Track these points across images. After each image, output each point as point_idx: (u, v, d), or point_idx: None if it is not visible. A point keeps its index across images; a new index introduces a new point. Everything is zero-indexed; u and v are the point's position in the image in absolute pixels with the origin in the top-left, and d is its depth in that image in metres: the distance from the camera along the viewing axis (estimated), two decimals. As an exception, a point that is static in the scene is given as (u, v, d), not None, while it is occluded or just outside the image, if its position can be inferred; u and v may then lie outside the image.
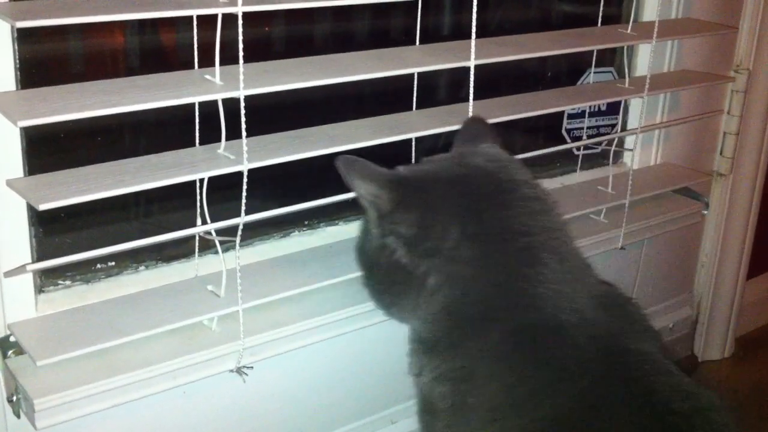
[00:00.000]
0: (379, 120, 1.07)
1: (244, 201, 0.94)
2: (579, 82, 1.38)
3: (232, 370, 1.00)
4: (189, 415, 1.03)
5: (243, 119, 0.90)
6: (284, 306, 1.04)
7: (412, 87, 1.10)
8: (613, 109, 1.41)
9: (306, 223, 1.17)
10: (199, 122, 0.96)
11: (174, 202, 1.05)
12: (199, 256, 1.04)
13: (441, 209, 0.87)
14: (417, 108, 1.12)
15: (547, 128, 1.40)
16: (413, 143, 1.12)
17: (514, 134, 1.35)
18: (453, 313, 0.87)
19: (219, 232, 0.98)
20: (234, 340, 0.99)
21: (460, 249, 0.85)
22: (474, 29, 1.02)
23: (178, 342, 0.97)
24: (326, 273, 1.06)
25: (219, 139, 0.95)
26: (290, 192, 1.11)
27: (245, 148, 0.91)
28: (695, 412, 0.80)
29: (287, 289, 1.02)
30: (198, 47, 0.94)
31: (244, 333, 0.99)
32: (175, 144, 0.96)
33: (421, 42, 1.10)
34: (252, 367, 1.01)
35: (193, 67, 0.96)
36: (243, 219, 0.95)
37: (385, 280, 0.92)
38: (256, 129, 0.94)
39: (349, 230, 1.17)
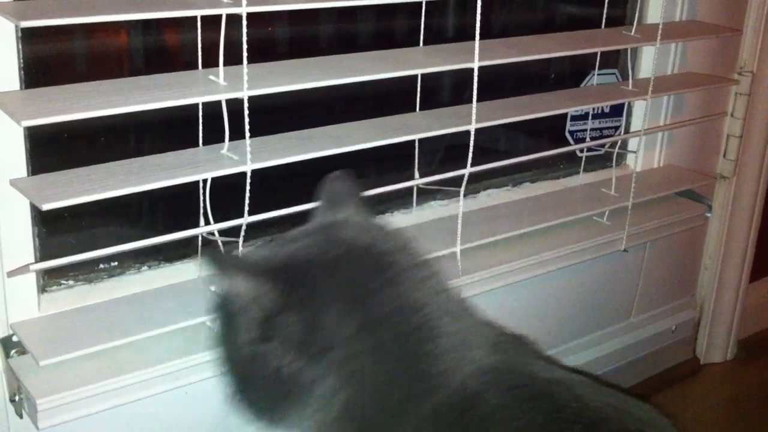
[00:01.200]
0: (383, 121, 1.07)
1: (247, 202, 0.94)
2: (583, 84, 1.37)
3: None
4: (191, 415, 1.03)
5: (246, 120, 0.90)
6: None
7: (416, 88, 1.10)
8: (616, 111, 1.41)
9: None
10: (203, 122, 0.96)
11: (177, 202, 1.04)
12: (201, 256, 1.04)
13: (329, 302, 0.77)
14: (420, 109, 1.12)
15: (550, 130, 1.40)
16: (416, 145, 1.12)
17: (518, 135, 1.35)
18: (356, 417, 0.78)
19: (222, 231, 0.98)
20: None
21: (356, 343, 0.76)
22: (478, 30, 1.01)
23: (181, 342, 0.97)
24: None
25: (222, 139, 0.95)
26: (292, 191, 1.11)
27: (249, 149, 0.91)
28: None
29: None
30: (202, 47, 0.94)
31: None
32: (178, 144, 0.96)
33: (424, 43, 1.09)
34: None
35: (197, 68, 0.95)
36: (246, 219, 0.95)
37: (268, 394, 0.79)
38: (259, 129, 0.94)
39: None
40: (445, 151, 1.21)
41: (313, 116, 1.07)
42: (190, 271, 1.05)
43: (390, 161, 1.22)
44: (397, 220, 1.21)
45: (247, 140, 0.92)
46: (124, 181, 0.85)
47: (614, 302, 1.45)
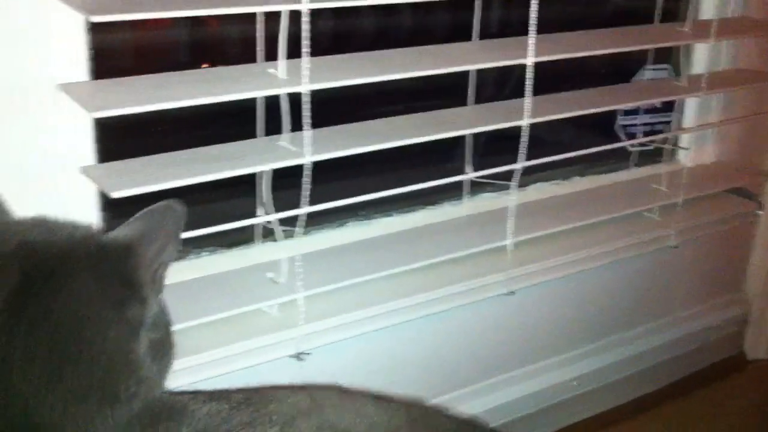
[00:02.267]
0: (436, 115, 1.09)
1: (307, 193, 0.96)
2: (634, 78, 1.38)
3: (291, 356, 1.03)
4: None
5: (307, 114, 0.92)
6: (342, 294, 1.06)
7: (467, 81, 1.11)
8: (668, 106, 1.41)
9: (361, 213, 1.18)
10: (262, 112, 0.99)
11: (237, 189, 1.07)
12: (259, 243, 1.07)
13: None
14: (473, 103, 1.13)
15: (601, 123, 1.40)
16: (469, 139, 1.13)
17: (567, 129, 1.35)
18: None
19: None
20: (293, 326, 1.01)
21: None
22: (533, 27, 1.02)
23: (239, 327, 1.00)
24: (384, 263, 1.08)
25: (280, 130, 0.97)
26: (348, 182, 1.14)
27: (308, 141, 0.93)
28: None
29: (347, 278, 1.04)
30: (264, 40, 0.96)
31: (303, 319, 1.01)
32: (237, 132, 0.98)
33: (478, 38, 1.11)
34: (310, 353, 1.04)
35: (256, 61, 0.98)
36: (305, 210, 0.98)
37: None
38: (313, 119, 0.95)
39: (402, 222, 1.20)
40: (495, 141, 1.22)
41: (365, 107, 1.08)
42: (247, 257, 1.07)
43: (441, 151, 1.23)
44: (447, 211, 1.23)
45: (308, 132, 0.94)
46: (190, 170, 0.88)
47: (661, 297, 1.46)
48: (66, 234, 0.67)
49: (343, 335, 1.07)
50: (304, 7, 0.90)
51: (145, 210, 0.68)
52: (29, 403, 0.59)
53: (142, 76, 0.90)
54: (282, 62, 0.93)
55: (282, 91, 0.93)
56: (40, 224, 0.68)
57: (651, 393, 1.46)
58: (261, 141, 0.99)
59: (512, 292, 1.19)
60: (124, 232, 0.67)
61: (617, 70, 1.40)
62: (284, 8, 0.91)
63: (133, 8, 0.83)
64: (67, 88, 0.84)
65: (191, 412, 0.66)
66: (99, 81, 0.89)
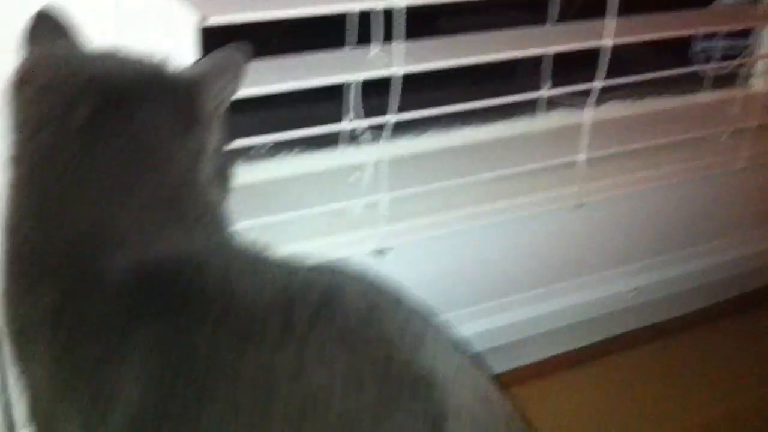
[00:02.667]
0: (520, 33, 1.13)
1: (395, 104, 1.03)
2: (715, 3, 1.39)
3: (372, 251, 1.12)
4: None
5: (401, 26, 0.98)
6: (420, 199, 1.13)
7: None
8: (746, 31, 1.42)
9: (442, 122, 1.24)
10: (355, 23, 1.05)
11: (324, 94, 1.11)
12: (346, 146, 1.14)
13: None
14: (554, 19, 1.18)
15: (677, 46, 1.41)
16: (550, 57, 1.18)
17: (643, 49, 1.37)
18: None
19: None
20: (375, 225, 1.10)
21: None
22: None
23: (324, 224, 1.08)
24: (461, 171, 1.15)
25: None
26: (429, 91, 1.19)
27: (399, 53, 0.99)
28: None
29: (426, 184, 1.12)
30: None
31: (385, 219, 1.10)
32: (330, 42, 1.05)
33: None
34: (392, 248, 1.13)
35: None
36: (392, 117, 1.04)
37: None
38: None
39: (480, 133, 1.26)
40: (572, 58, 1.25)
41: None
42: (336, 159, 1.15)
43: (520, 65, 1.27)
44: (524, 124, 1.28)
45: (399, 46, 1.00)
46: (283, 77, 0.95)
47: (726, 217, 1.49)
48: (136, 66, 0.72)
49: (421, 236, 1.15)
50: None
51: (214, 51, 0.75)
52: (103, 215, 0.66)
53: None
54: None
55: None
56: (112, 57, 0.73)
57: (707, 307, 1.51)
58: (352, 52, 1.05)
59: (581, 205, 1.26)
60: (193, 68, 0.75)
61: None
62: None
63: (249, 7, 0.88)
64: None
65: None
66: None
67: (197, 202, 0.71)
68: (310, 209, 1.05)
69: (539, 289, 1.34)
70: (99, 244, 0.66)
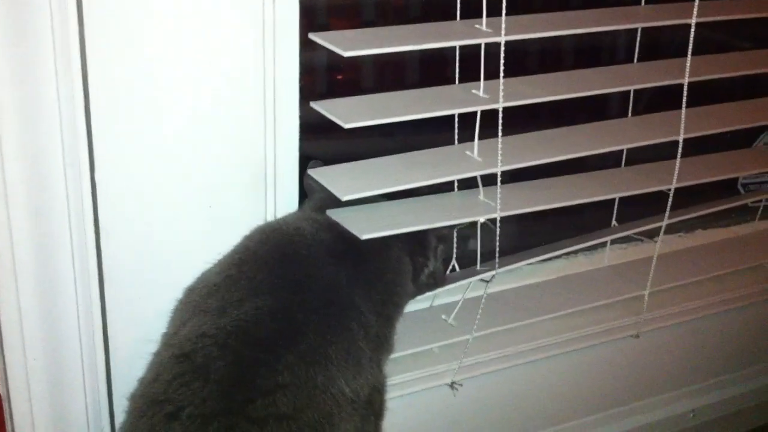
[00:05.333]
0: (596, 175, 1.21)
1: (497, 251, 1.11)
2: (757, 142, 1.48)
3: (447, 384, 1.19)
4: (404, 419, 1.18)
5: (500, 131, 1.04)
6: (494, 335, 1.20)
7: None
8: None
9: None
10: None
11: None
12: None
13: None
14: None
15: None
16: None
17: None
18: None
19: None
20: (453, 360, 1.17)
21: None
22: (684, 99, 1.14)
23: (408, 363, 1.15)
24: (532, 311, 1.23)
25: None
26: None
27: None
28: None
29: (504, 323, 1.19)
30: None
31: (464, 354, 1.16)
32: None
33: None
34: (462, 385, 1.20)
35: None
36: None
37: None
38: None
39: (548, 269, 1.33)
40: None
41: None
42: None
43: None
44: (589, 260, 1.36)
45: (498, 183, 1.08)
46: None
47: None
48: None
49: (494, 368, 1.22)
50: (502, 39, 0.99)
51: None
52: (354, 302, 0.94)
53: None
54: (482, 83, 1.04)
55: (479, 107, 1.03)
56: None
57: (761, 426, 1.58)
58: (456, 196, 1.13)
59: (637, 336, 1.32)
60: None
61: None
62: (482, 41, 1.01)
63: (381, 43, 0.96)
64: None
65: None
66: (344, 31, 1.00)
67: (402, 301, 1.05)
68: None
69: (599, 413, 1.41)
70: None
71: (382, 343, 0.98)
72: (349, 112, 0.97)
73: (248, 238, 0.99)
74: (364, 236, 0.97)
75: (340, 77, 1.26)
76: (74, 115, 0.90)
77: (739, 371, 1.52)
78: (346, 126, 0.95)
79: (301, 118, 1.03)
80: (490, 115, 1.04)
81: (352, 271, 0.96)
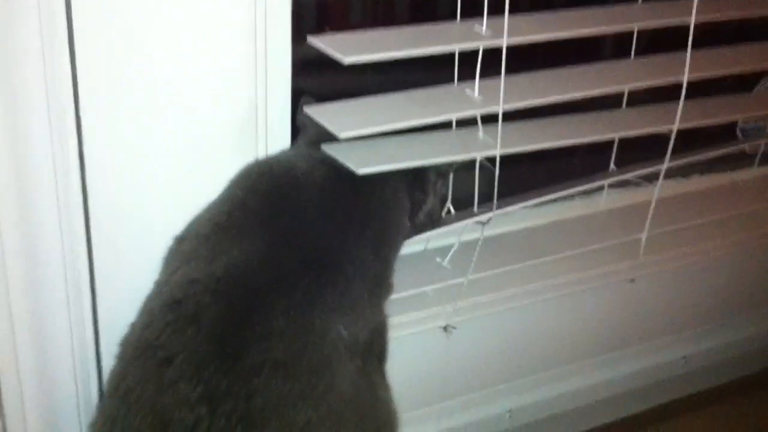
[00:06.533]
0: (593, 117, 1.17)
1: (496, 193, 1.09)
2: (758, 87, 1.45)
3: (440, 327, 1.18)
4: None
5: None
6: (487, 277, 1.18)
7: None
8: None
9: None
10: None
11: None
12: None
13: None
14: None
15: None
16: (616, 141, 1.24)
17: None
18: None
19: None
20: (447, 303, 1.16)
21: None
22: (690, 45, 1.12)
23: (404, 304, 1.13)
24: (524, 254, 1.21)
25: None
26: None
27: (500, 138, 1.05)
28: None
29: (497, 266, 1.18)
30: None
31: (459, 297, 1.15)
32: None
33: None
34: (456, 328, 1.19)
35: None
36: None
37: None
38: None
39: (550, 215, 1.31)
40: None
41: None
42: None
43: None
44: (586, 203, 1.34)
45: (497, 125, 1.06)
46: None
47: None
48: None
49: (488, 311, 1.21)
50: (504, 43, 0.99)
51: None
52: (349, 243, 0.91)
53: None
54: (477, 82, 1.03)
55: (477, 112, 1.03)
56: None
57: (755, 373, 1.57)
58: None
59: (632, 280, 1.32)
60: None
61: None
62: (482, 45, 1.00)
63: (382, 48, 0.94)
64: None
65: None
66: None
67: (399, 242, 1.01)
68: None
69: (590, 359, 1.40)
70: None
71: (380, 284, 0.95)
72: (349, 48, 0.94)
73: (236, 184, 0.95)
74: (361, 171, 0.94)
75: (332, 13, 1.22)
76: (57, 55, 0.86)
77: (731, 318, 1.52)
78: (346, 61, 0.91)
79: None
80: (491, 57, 1.01)
81: (346, 210, 0.93)
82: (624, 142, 1.24)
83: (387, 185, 0.98)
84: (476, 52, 1.01)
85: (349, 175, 0.94)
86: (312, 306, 0.84)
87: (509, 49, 1.00)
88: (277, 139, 1.02)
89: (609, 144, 1.25)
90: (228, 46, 0.94)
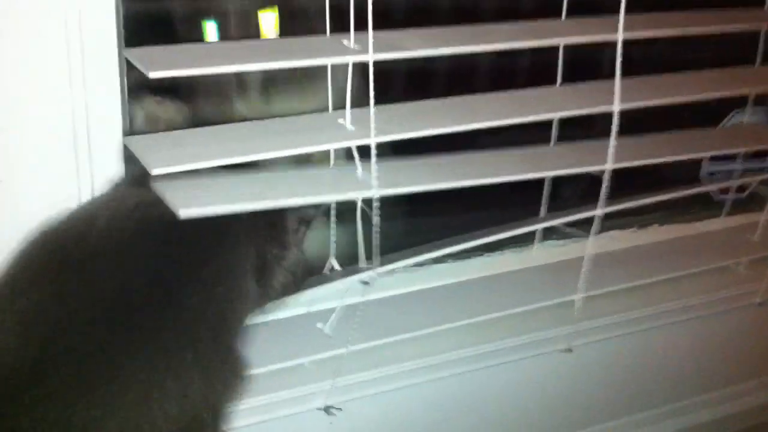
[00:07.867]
0: (519, 155, 1.00)
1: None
2: (726, 121, 1.26)
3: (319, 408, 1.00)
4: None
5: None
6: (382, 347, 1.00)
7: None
8: (760, 152, 1.28)
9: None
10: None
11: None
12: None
13: None
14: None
15: (684, 167, 1.27)
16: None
17: (645, 174, 1.24)
18: None
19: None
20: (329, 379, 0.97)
21: None
22: (618, 74, 0.94)
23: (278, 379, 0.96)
24: (441, 317, 1.02)
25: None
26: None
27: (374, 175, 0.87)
28: None
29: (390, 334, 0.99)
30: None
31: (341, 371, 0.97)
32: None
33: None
34: (341, 409, 1.00)
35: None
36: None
37: None
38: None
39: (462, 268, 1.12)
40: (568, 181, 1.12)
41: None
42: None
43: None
44: (513, 258, 1.15)
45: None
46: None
47: (746, 358, 1.36)
48: None
49: (381, 388, 1.03)
50: (370, 59, 0.83)
51: None
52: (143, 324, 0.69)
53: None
54: (348, 111, 0.86)
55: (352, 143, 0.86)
56: None
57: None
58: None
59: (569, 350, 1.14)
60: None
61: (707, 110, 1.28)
62: (351, 59, 0.85)
63: (195, 63, 0.79)
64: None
65: None
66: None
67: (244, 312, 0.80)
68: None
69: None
70: None
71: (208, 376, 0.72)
72: (161, 61, 0.76)
73: (22, 252, 0.75)
74: (183, 213, 0.74)
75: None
76: None
77: (690, 399, 1.32)
78: (151, 75, 0.74)
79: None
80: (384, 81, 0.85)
81: (156, 278, 0.72)
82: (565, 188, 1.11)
83: (225, 239, 0.78)
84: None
85: (173, 221, 0.74)
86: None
87: (418, 75, 0.91)
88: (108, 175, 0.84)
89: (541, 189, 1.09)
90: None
